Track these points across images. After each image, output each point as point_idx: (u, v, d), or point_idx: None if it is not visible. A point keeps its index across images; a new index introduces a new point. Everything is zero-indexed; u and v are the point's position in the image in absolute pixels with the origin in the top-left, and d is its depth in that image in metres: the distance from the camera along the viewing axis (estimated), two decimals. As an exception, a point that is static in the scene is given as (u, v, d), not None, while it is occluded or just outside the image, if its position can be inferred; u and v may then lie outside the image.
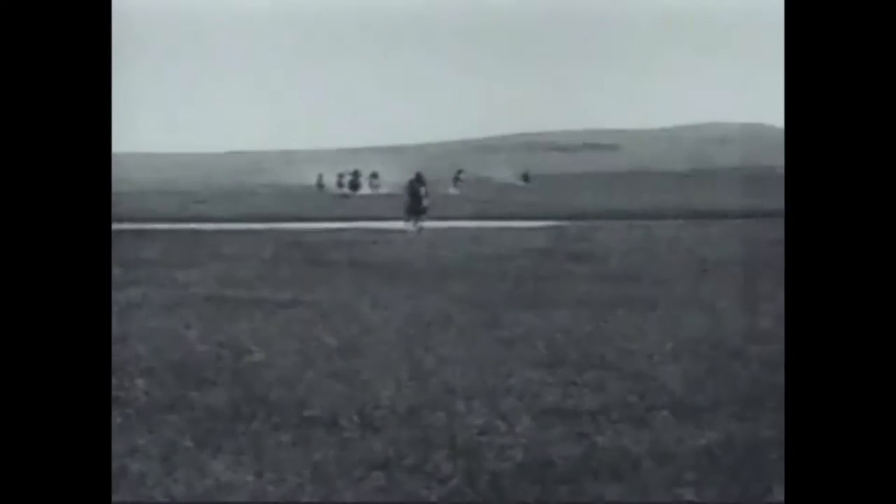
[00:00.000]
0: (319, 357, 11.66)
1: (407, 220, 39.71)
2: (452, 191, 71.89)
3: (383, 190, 71.30)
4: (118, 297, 15.29)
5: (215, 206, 57.12)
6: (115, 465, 7.26)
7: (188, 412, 9.27)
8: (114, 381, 9.29)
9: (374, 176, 74.17)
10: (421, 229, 37.38)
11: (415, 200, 40.32)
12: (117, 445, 7.80)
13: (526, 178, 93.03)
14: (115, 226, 19.24)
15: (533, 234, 33.28)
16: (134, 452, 8.03)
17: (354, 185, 72.93)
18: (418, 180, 41.40)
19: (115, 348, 7.54)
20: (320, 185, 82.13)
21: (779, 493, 6.97)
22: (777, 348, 11.30)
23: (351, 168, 77.44)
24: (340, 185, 76.19)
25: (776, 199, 36.51)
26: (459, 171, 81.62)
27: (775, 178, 66.43)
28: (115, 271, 17.05)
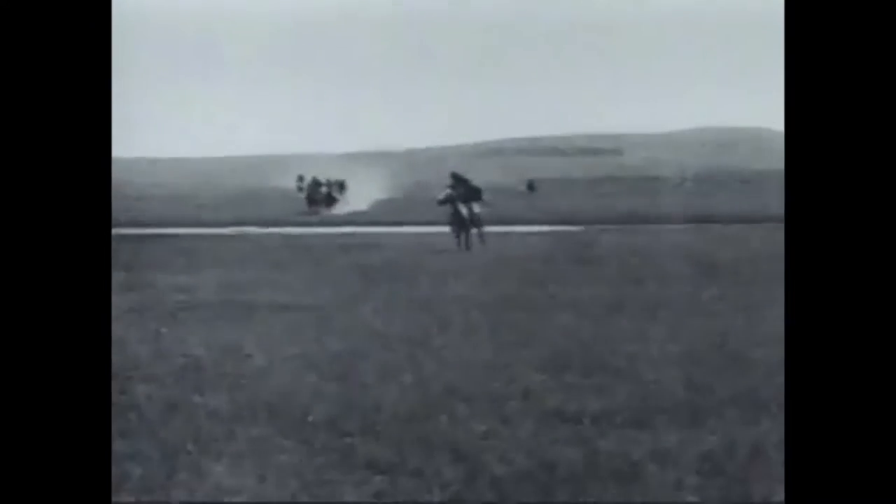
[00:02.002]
0: (321, 361, 11.65)
1: (456, 235, 29.37)
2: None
3: (347, 208, 53.88)
4: (118, 301, 15.29)
5: (216, 211, 57.07)
6: (116, 469, 7.25)
7: (190, 416, 9.27)
8: (115, 385, 9.28)
9: (341, 186, 56.42)
10: (469, 247, 28.21)
11: (458, 209, 29.60)
12: (119, 449, 7.79)
13: (531, 186, 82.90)
14: (114, 230, 19.24)
15: (534, 239, 33.28)
16: (135, 456, 8.02)
17: (314, 200, 53.72)
18: (456, 183, 30.57)
19: (115, 353, 7.55)
20: (301, 188, 67.64)
21: (780, 497, 6.96)
22: (778, 352, 11.30)
23: (333, 175, 58.25)
24: (301, 189, 57.65)
25: (777, 203, 36.49)
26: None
27: (776, 181, 66.42)
28: (115, 276, 17.04)
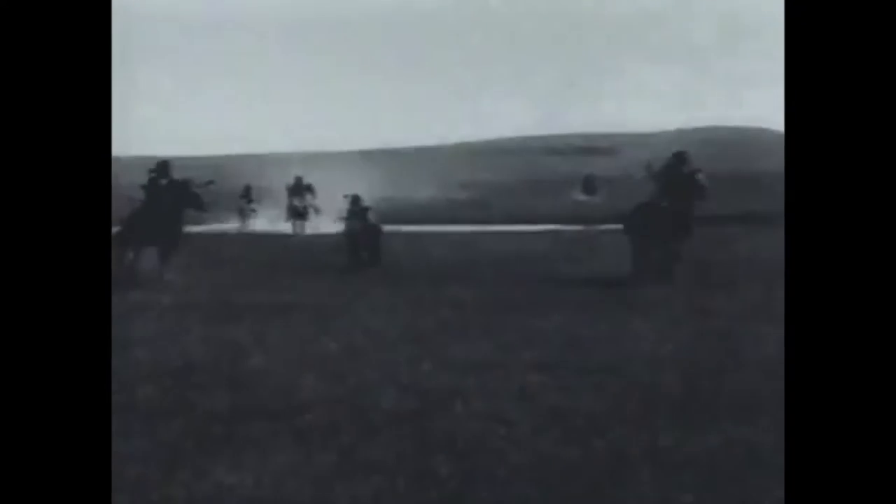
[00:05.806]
0: (319, 361, 11.66)
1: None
2: None
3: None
4: (118, 301, 15.29)
5: (215, 210, 57.10)
6: (115, 469, 7.25)
7: (188, 416, 9.27)
8: (114, 385, 9.29)
9: (308, 189, 42.62)
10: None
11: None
12: (118, 449, 7.80)
13: (590, 185, 59.59)
14: (114, 229, 19.23)
15: (531, 238, 33.26)
16: (134, 456, 8.03)
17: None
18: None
19: (115, 352, 7.54)
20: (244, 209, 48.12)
21: (778, 498, 6.97)
22: (776, 352, 11.30)
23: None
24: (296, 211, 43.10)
25: (776, 203, 36.47)
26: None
27: (775, 182, 66.35)
28: (115, 275, 17.02)
